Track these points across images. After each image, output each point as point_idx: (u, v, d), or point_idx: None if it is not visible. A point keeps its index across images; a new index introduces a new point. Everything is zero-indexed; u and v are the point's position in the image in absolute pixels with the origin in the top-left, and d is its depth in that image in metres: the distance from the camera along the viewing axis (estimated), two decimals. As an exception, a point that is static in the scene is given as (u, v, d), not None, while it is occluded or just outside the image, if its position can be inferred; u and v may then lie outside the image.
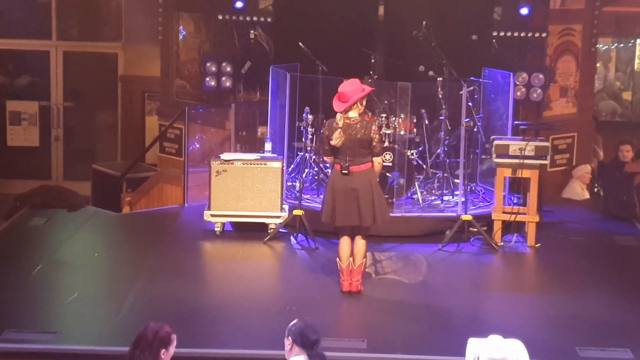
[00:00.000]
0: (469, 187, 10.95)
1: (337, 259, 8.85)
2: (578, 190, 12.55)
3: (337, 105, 8.60)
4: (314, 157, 11.35)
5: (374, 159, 8.68)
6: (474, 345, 5.82)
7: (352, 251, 8.76)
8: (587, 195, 12.61)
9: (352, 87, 8.64)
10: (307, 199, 10.92)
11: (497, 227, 10.43)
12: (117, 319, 8.10)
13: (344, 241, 8.78)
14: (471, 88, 10.91)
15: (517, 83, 11.94)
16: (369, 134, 8.53)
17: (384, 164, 10.90)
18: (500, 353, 5.70)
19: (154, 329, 5.83)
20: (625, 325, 7.96)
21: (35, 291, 8.72)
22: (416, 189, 11.12)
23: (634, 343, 7.38)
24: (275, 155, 11.01)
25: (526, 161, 10.28)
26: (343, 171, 8.54)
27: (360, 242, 8.75)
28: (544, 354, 7.55)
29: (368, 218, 8.60)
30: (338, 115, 8.53)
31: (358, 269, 8.76)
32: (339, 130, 8.47)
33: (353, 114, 8.54)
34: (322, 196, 11.09)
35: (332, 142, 8.47)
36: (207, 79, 12.31)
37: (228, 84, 12.30)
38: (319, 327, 5.76)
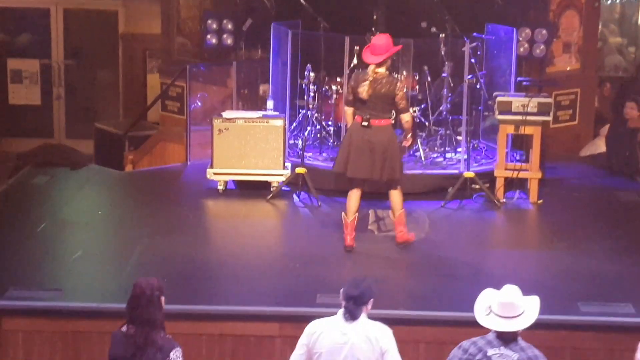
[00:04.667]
0: (471, 144, 10.96)
1: (343, 213, 8.92)
2: (601, 147, 12.52)
3: (370, 57, 8.66)
4: (316, 115, 11.35)
5: (402, 115, 8.81)
6: (486, 295, 5.88)
7: (358, 206, 8.85)
8: (603, 148, 12.59)
9: (385, 42, 8.73)
10: (309, 157, 10.95)
11: (500, 184, 10.47)
12: (121, 277, 8.16)
13: (354, 194, 8.87)
14: (474, 44, 10.90)
15: (520, 39, 11.88)
16: (393, 90, 8.63)
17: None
18: (509, 298, 5.76)
19: (146, 283, 5.90)
20: (627, 280, 8.02)
21: (40, 249, 8.78)
22: (419, 147, 11.13)
23: (636, 298, 7.44)
24: (277, 113, 11.02)
25: (529, 118, 10.29)
26: (363, 123, 8.62)
27: (393, 195, 8.86)
28: (546, 309, 7.58)
29: (377, 172, 8.69)
30: (370, 67, 8.60)
31: (399, 219, 8.88)
32: (369, 81, 8.54)
33: (381, 69, 8.63)
34: (324, 154, 11.19)
35: (360, 94, 8.55)
36: (208, 36, 12.27)
37: (229, 41, 12.26)
38: (366, 286, 5.89)
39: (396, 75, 11.02)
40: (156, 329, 5.81)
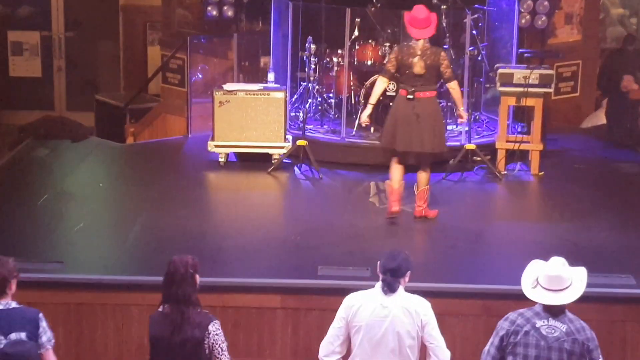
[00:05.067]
0: (472, 116, 10.95)
1: (387, 181, 8.97)
2: (602, 118, 12.50)
3: (419, 32, 8.66)
4: (317, 87, 11.33)
5: (449, 84, 8.85)
6: (533, 267, 5.87)
7: (403, 175, 8.91)
8: (603, 120, 12.58)
9: (427, 13, 8.78)
10: (310, 129, 10.94)
11: (501, 155, 10.47)
12: (123, 249, 8.19)
13: (396, 166, 8.91)
14: (475, 16, 10.86)
15: (522, 10, 11.83)
16: (438, 60, 8.68)
17: (389, 93, 10.93)
18: (556, 270, 5.74)
19: (180, 261, 5.89)
20: (628, 252, 8.03)
21: (41, 221, 8.79)
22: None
23: (637, 269, 7.45)
24: (278, 85, 11.00)
25: (530, 89, 10.28)
26: (408, 96, 8.63)
27: (422, 173, 8.90)
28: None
29: (427, 145, 8.72)
30: (420, 41, 8.62)
31: (420, 194, 8.91)
32: (419, 56, 8.57)
33: (425, 41, 8.64)
34: (325, 126, 11.18)
35: (411, 68, 8.56)
36: (209, 8, 12.21)
37: (230, 13, 12.20)
38: (403, 258, 5.87)
39: (385, 45, 11.06)
40: (191, 306, 5.80)
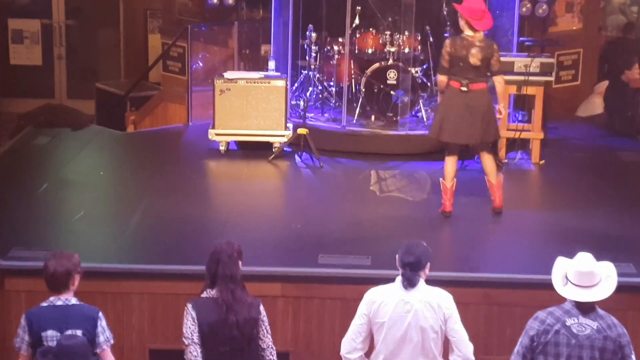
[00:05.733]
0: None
1: (441, 179, 8.90)
2: (599, 105, 12.49)
3: (480, 23, 8.58)
4: (317, 75, 11.32)
5: (496, 77, 8.75)
6: (561, 264, 5.84)
7: (456, 172, 8.88)
8: (600, 109, 12.56)
9: (483, 4, 8.75)
10: (311, 117, 10.93)
11: (502, 144, 10.45)
12: (123, 237, 8.18)
13: (450, 161, 8.87)
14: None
15: (523, -1, 11.84)
16: (491, 53, 8.62)
17: (389, 81, 10.92)
18: (587, 267, 5.72)
19: (226, 243, 5.92)
20: (628, 240, 8.02)
21: (42, 210, 8.79)
22: (420, 107, 11.12)
23: (637, 257, 7.44)
24: (279, 73, 10.98)
25: (531, 78, 10.28)
26: (462, 88, 8.57)
27: (487, 158, 8.82)
28: (548, 268, 7.60)
29: (483, 133, 8.69)
30: (479, 33, 8.58)
31: (497, 184, 8.83)
32: (478, 47, 8.54)
33: (481, 33, 8.62)
34: (326, 115, 11.16)
35: (469, 60, 8.51)
36: (210, -4, 12.22)
37: (231, 1, 12.16)
38: (422, 251, 5.81)
39: (386, 34, 11.04)
40: (240, 286, 5.83)
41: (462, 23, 8.65)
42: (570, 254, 7.69)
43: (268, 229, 8.46)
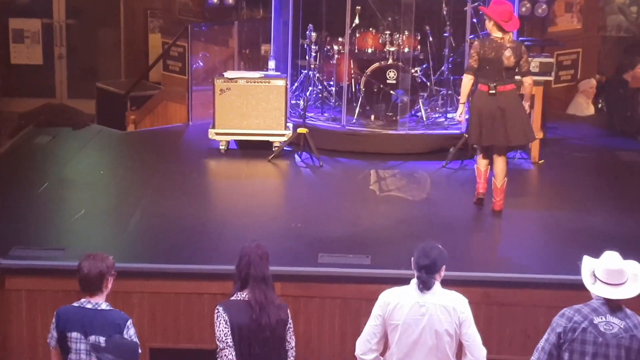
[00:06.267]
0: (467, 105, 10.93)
1: (475, 165, 8.98)
2: (583, 104, 12.53)
3: (508, 25, 8.56)
4: (317, 75, 11.31)
5: (526, 78, 8.73)
6: (588, 261, 5.83)
7: (488, 165, 8.85)
8: (591, 111, 12.60)
9: (509, 6, 8.74)
10: (311, 117, 10.92)
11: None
12: (123, 236, 8.18)
13: (482, 159, 8.87)
14: (476, 4, 10.81)
15: (522, 0, 11.83)
16: (520, 53, 8.59)
17: (389, 81, 10.92)
18: (616, 264, 5.72)
19: (254, 244, 5.92)
20: (627, 239, 8.00)
21: (42, 209, 8.78)
22: (420, 107, 11.11)
23: (636, 256, 7.43)
24: (279, 73, 10.98)
25: (530, 77, 10.25)
26: (491, 91, 8.54)
27: (501, 162, 8.77)
28: (547, 268, 7.64)
29: (514, 137, 8.67)
30: (508, 35, 8.56)
31: (501, 187, 8.79)
32: (510, 48, 8.53)
33: (510, 34, 8.60)
34: (326, 114, 11.16)
35: (505, 63, 8.49)
36: (210, -5, 12.23)
37: (231, 0, 12.19)
38: (437, 254, 5.79)
39: (386, 33, 11.05)
40: (271, 288, 5.84)
41: (489, 25, 8.61)
42: (571, 254, 7.74)
43: (268, 228, 8.45)
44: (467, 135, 9.63)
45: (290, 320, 5.90)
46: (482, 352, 5.85)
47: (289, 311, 5.90)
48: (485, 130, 8.63)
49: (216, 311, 5.83)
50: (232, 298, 5.88)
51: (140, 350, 5.59)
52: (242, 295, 5.82)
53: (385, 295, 5.88)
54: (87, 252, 5.96)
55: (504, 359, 6.77)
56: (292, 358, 5.93)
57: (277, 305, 5.83)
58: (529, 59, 9.28)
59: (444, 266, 5.86)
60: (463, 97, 8.93)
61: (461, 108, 8.96)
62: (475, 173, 8.98)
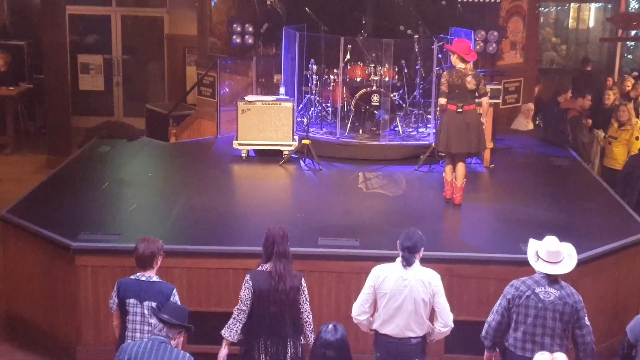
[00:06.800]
0: (438, 121, 10.90)
1: (443, 174, 8.97)
2: (524, 122, 12.56)
3: (469, 57, 8.54)
4: (317, 98, 11.31)
5: (484, 99, 8.68)
6: (533, 243, 5.84)
7: (453, 169, 8.81)
8: (531, 126, 12.60)
9: (468, 43, 8.74)
10: (312, 131, 10.90)
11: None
12: (167, 223, 8.18)
13: (448, 169, 8.84)
14: (441, 43, 10.81)
15: (477, 39, 11.82)
16: (478, 80, 8.55)
17: (373, 103, 10.91)
18: (555, 246, 5.73)
19: (277, 227, 5.93)
20: (559, 226, 7.99)
21: (104, 202, 8.78)
22: (397, 123, 11.11)
23: (566, 238, 7.42)
24: (288, 97, 10.97)
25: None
26: (459, 110, 8.50)
27: (461, 166, 8.75)
28: (496, 249, 7.63)
29: (474, 146, 8.64)
30: (469, 64, 8.52)
31: (461, 186, 8.77)
32: (471, 75, 8.49)
33: (470, 64, 8.56)
34: (324, 129, 11.15)
35: (466, 86, 8.45)
36: (234, 37, 12.19)
37: (250, 41, 12.18)
38: (417, 237, 5.80)
39: (371, 66, 11.04)
40: (290, 263, 5.85)
41: (454, 58, 8.58)
42: (514, 238, 7.74)
43: (278, 217, 8.42)
44: (434, 145, 9.61)
45: (303, 288, 5.87)
46: (450, 317, 5.84)
47: (303, 280, 5.88)
48: (453, 140, 8.62)
49: (245, 278, 5.86)
50: (258, 268, 5.89)
51: None
52: (266, 266, 5.84)
53: (376, 269, 5.88)
54: (142, 237, 5.96)
55: (463, 319, 6.74)
56: (305, 313, 5.90)
57: (292, 275, 5.83)
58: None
59: (423, 248, 5.86)
60: (440, 113, 9.01)
61: (440, 102, 9.00)
62: (444, 180, 8.98)
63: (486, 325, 5.85)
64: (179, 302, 5.62)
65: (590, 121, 11.79)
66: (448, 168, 8.88)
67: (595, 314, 6.87)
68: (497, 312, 5.79)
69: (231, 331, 5.84)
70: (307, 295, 5.90)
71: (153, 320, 5.00)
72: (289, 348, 5.84)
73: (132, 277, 5.79)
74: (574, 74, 15.10)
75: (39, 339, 7.77)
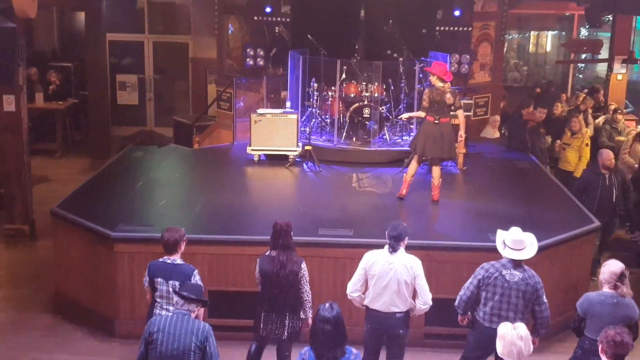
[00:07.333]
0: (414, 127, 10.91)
1: (404, 174, 8.91)
2: (491, 131, 12.55)
3: (447, 77, 8.50)
4: (318, 111, 11.30)
5: (460, 112, 8.63)
6: (500, 233, 5.86)
7: (414, 173, 8.83)
8: (497, 135, 12.58)
9: (445, 65, 8.74)
10: (313, 139, 10.90)
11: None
12: (192, 216, 8.17)
13: (414, 165, 8.80)
14: (421, 65, 10.81)
15: (452, 61, 11.81)
16: (455, 95, 8.52)
17: (365, 115, 10.90)
18: (519, 236, 5.75)
19: (283, 222, 5.96)
20: (521, 218, 7.98)
21: (138, 199, 8.78)
22: (385, 132, 11.10)
23: (528, 229, 7.42)
24: (293, 110, 10.96)
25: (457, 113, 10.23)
26: (435, 121, 8.49)
27: (437, 169, 8.74)
28: (468, 238, 7.62)
29: (447, 152, 8.64)
30: (447, 84, 8.46)
31: (438, 185, 8.76)
32: (450, 92, 8.46)
33: (448, 84, 8.52)
34: (323, 137, 11.13)
35: (446, 102, 8.40)
36: (247, 59, 12.18)
37: (261, 63, 12.17)
38: (402, 228, 5.84)
39: (363, 84, 11.03)
40: (292, 251, 5.89)
41: (434, 79, 8.55)
42: (484, 229, 7.73)
43: (285, 211, 8.42)
44: (412, 149, 9.52)
45: (303, 272, 5.88)
46: (429, 296, 5.86)
47: (303, 265, 5.89)
48: (429, 147, 8.61)
49: (257, 261, 5.98)
50: (266, 254, 5.91)
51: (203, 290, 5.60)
52: (273, 253, 5.85)
53: (367, 255, 5.92)
54: (167, 227, 5.98)
55: (440, 297, 6.73)
56: (305, 293, 5.92)
57: (294, 262, 5.84)
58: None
59: (407, 237, 5.87)
60: (414, 114, 9.12)
61: (412, 114, 9.17)
62: (403, 178, 8.93)
63: (458, 297, 5.88)
64: (199, 281, 5.65)
65: (544, 130, 11.79)
66: (412, 168, 8.85)
67: (552, 293, 6.87)
68: (468, 289, 5.81)
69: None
70: (307, 278, 5.91)
71: (176, 297, 5.02)
72: (286, 321, 5.87)
73: (160, 260, 5.82)
74: (535, 92, 15.09)
75: (83, 314, 7.77)
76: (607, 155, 8.95)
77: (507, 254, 5.72)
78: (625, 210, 9.30)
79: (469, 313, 5.91)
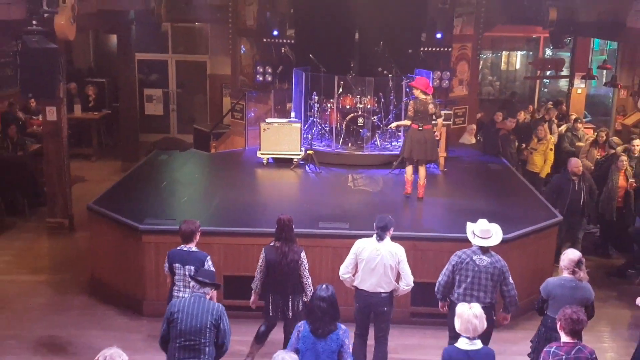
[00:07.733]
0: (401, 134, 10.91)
1: (405, 175, 8.91)
2: (468, 138, 12.54)
3: (428, 90, 8.52)
4: (318, 120, 11.30)
5: (439, 119, 8.66)
6: (470, 225, 5.88)
7: (413, 174, 8.82)
8: (473, 141, 12.58)
9: (427, 80, 8.78)
10: (315, 144, 10.90)
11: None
12: (209, 211, 8.18)
13: (409, 168, 8.82)
14: (407, 81, 10.79)
15: (434, 77, 11.81)
16: (436, 106, 8.56)
17: (359, 124, 10.90)
18: (486, 226, 5.77)
19: (285, 217, 5.95)
20: (494, 213, 7.98)
21: (163, 195, 8.78)
22: (376, 138, 11.10)
23: (500, 222, 7.44)
24: (297, 119, 10.96)
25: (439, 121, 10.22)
26: (419, 128, 8.51)
27: (423, 170, 8.75)
28: (448, 230, 7.63)
29: (430, 155, 8.66)
30: (429, 96, 8.49)
31: (423, 184, 8.78)
32: (432, 103, 8.47)
33: (430, 96, 8.55)
34: (323, 143, 11.13)
35: (429, 112, 8.41)
36: (257, 76, 12.19)
37: (269, 78, 12.17)
38: (388, 220, 5.85)
39: (357, 97, 11.03)
40: (294, 243, 5.89)
41: (417, 92, 8.58)
42: (461, 222, 7.69)
43: (290, 207, 8.44)
44: (401, 152, 9.53)
45: (302, 260, 5.88)
46: (411, 278, 5.89)
47: (303, 254, 5.89)
48: (415, 151, 8.63)
49: (262, 250, 5.96)
50: (271, 244, 5.92)
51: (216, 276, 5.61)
52: (277, 244, 5.86)
53: (358, 242, 5.95)
54: (185, 219, 6.00)
55: (424, 281, 6.75)
56: (305, 278, 5.93)
57: (294, 252, 5.84)
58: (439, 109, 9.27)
59: (392, 228, 5.89)
60: (401, 122, 9.08)
61: (400, 123, 9.11)
62: (405, 179, 8.95)
63: (437, 284, 5.89)
64: (212, 267, 5.68)
65: (514, 137, 11.79)
66: (409, 171, 8.87)
67: (520, 277, 6.88)
68: (444, 274, 5.83)
69: (254, 283, 5.99)
70: (306, 265, 5.92)
71: (193, 282, 5.06)
72: (290, 303, 5.88)
73: (178, 248, 5.84)
74: (504, 103, 15.10)
75: (115, 296, 7.78)
76: (575, 162, 8.92)
77: (476, 242, 5.74)
78: (593, 211, 9.27)
79: (448, 299, 5.91)
